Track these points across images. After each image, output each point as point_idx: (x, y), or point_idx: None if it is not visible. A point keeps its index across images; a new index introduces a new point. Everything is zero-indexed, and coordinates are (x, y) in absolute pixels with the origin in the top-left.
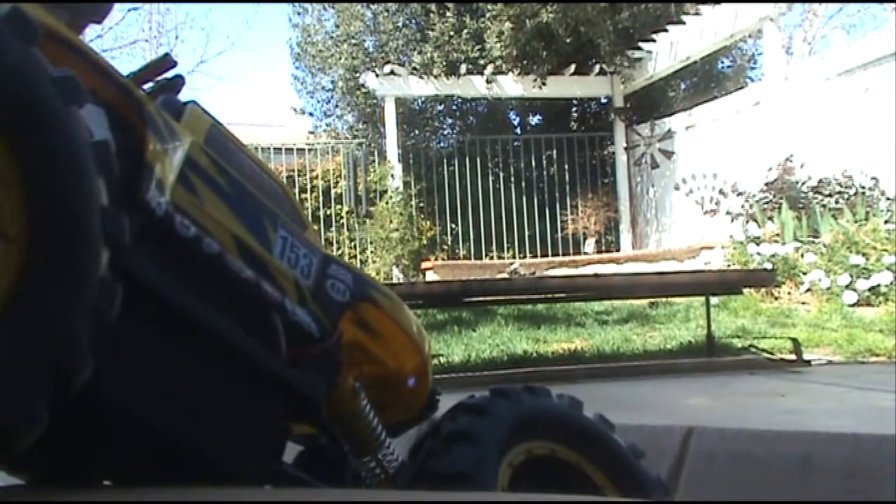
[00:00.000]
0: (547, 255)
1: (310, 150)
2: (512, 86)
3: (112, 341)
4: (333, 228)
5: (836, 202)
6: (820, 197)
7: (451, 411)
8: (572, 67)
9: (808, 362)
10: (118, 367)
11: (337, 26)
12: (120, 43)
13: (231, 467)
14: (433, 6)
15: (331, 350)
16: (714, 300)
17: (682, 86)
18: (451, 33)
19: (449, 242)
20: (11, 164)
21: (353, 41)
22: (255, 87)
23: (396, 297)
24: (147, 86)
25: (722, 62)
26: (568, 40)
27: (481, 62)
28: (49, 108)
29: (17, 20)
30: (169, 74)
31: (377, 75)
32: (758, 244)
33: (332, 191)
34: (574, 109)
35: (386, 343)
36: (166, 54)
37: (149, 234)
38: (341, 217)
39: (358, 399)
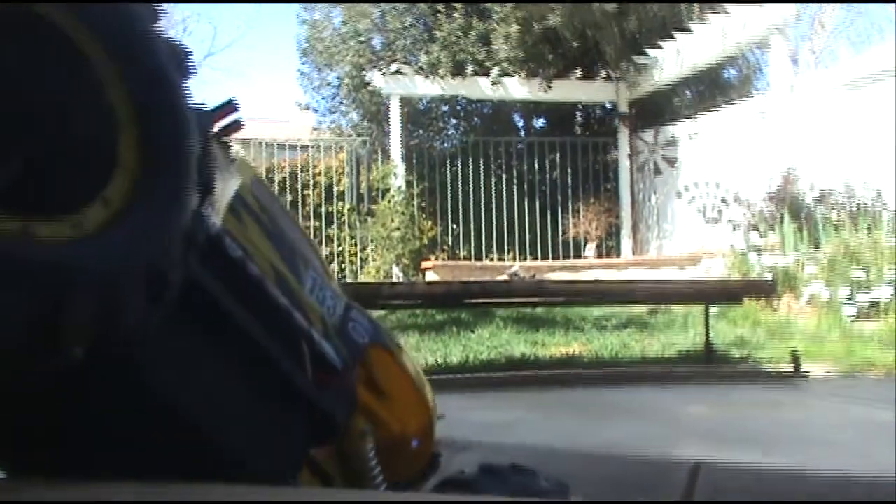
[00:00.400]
0: (547, 259)
1: (313, 146)
2: (517, 88)
3: (166, 329)
4: (335, 225)
5: (838, 214)
6: (822, 209)
7: (438, 488)
8: (578, 72)
9: (807, 374)
10: (167, 351)
11: (345, 23)
12: None
13: (253, 471)
14: (441, 6)
15: (350, 384)
16: (713, 309)
17: (688, 93)
18: (459, 34)
19: (450, 243)
20: (129, 110)
21: (361, 39)
22: (261, 81)
23: (404, 347)
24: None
25: (728, 71)
26: (575, 44)
27: (487, 64)
28: (169, 78)
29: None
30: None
31: (383, 74)
32: (759, 254)
33: (335, 188)
34: (579, 114)
35: (392, 398)
36: (231, 99)
37: (204, 248)
38: (343, 214)
39: (364, 442)
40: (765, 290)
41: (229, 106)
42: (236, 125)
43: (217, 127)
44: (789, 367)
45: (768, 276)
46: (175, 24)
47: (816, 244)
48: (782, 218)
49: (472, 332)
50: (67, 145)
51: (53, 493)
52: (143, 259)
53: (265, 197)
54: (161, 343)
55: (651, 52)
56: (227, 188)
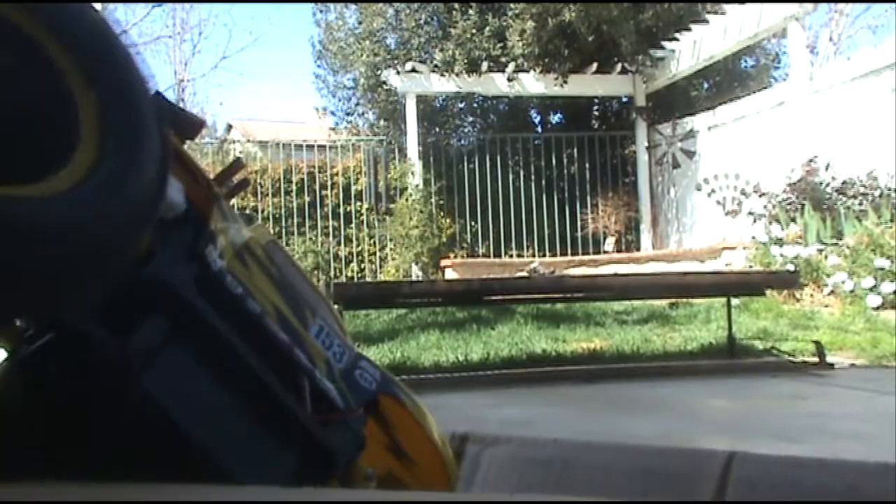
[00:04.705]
0: (567, 254)
1: (331, 147)
2: (533, 84)
3: (165, 352)
4: (353, 225)
5: (861, 204)
6: (844, 198)
7: None
8: (594, 66)
9: (831, 365)
10: (166, 373)
11: (359, 23)
12: (144, 39)
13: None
14: (456, 4)
15: (353, 425)
16: (735, 301)
17: (705, 85)
18: (473, 31)
19: (468, 240)
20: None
21: (375, 38)
22: (278, 83)
23: (421, 402)
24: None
25: (745, 61)
26: (590, 39)
27: (503, 60)
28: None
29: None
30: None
31: (399, 72)
32: (780, 245)
33: (353, 188)
34: (595, 108)
35: (416, 462)
36: (237, 159)
37: (204, 282)
38: (361, 214)
39: (368, 485)
40: (787, 281)
41: (237, 164)
42: (244, 183)
43: (227, 187)
44: (813, 359)
45: (790, 267)
46: (191, 28)
47: (839, 234)
48: (803, 208)
49: (493, 328)
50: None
51: (53, 493)
52: (101, 220)
53: (279, 257)
54: (159, 361)
55: (667, 44)
56: (234, 237)
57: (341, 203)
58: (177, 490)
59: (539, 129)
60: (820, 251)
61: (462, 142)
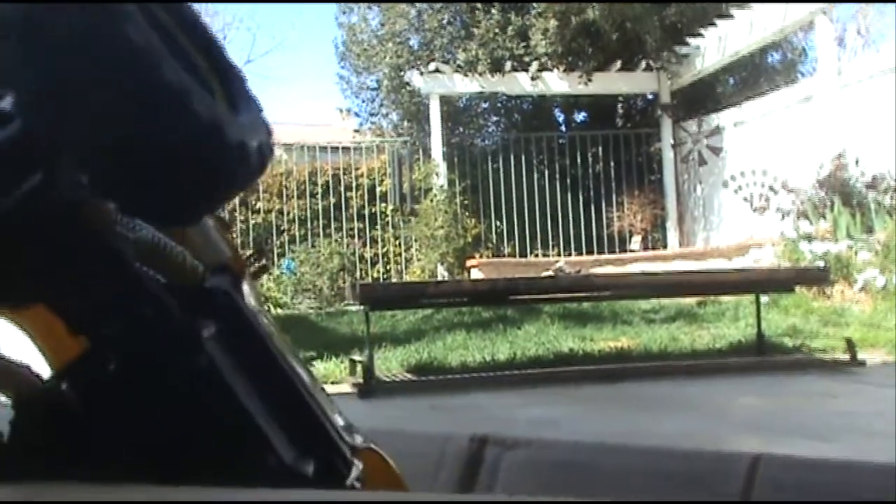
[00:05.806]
0: (593, 253)
1: (355, 148)
2: (557, 82)
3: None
4: (378, 226)
5: (892, 199)
6: (874, 193)
7: None
8: (618, 64)
9: (863, 363)
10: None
11: (382, 24)
12: None
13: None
14: (478, 3)
15: (349, 460)
16: (764, 299)
17: (731, 81)
18: (496, 31)
19: (494, 240)
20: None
21: (398, 39)
22: (302, 86)
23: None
24: None
25: (772, 56)
26: (614, 36)
27: (526, 59)
28: None
29: None
30: None
31: (422, 73)
32: (810, 242)
33: (378, 189)
34: (620, 106)
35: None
36: (262, 243)
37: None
38: (386, 215)
39: None
40: (817, 278)
41: (261, 248)
42: (264, 269)
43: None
44: (845, 356)
45: (820, 264)
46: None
47: (869, 230)
48: (833, 204)
49: (519, 328)
50: None
51: (53, 493)
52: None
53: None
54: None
55: (692, 40)
56: (255, 300)
57: (366, 204)
58: (177, 491)
59: (563, 127)
60: (850, 247)
61: (486, 142)
